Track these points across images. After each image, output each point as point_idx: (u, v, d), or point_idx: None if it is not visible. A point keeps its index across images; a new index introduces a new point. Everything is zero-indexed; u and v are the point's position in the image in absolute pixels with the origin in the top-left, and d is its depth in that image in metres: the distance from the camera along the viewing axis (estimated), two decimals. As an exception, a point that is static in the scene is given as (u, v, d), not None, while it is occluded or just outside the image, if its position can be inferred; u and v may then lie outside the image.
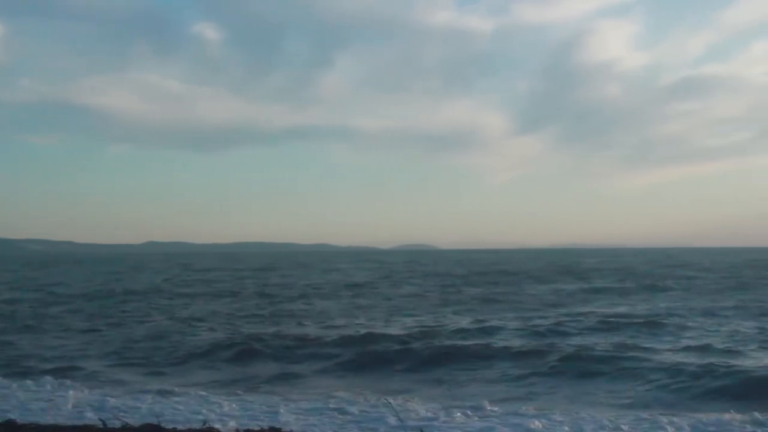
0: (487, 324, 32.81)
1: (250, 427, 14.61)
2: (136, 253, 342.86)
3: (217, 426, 14.65)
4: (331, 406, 17.39)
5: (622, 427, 15.01)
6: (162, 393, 19.19)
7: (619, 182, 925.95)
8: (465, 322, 34.24)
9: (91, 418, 15.78)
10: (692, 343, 26.49)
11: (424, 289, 59.77)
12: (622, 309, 40.13)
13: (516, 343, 27.15)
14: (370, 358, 24.27)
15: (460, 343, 27.05)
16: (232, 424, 15.28)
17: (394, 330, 31.18)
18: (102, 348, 27.67)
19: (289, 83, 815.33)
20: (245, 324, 34.65)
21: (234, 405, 17.57)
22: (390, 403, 16.28)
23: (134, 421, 15.10)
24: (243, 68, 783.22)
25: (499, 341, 27.59)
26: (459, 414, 16.41)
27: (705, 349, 24.81)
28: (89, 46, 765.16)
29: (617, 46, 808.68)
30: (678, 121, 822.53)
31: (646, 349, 24.94)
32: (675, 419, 15.58)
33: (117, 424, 14.54)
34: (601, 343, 26.45)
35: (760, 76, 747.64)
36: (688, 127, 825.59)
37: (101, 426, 14.38)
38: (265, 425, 14.82)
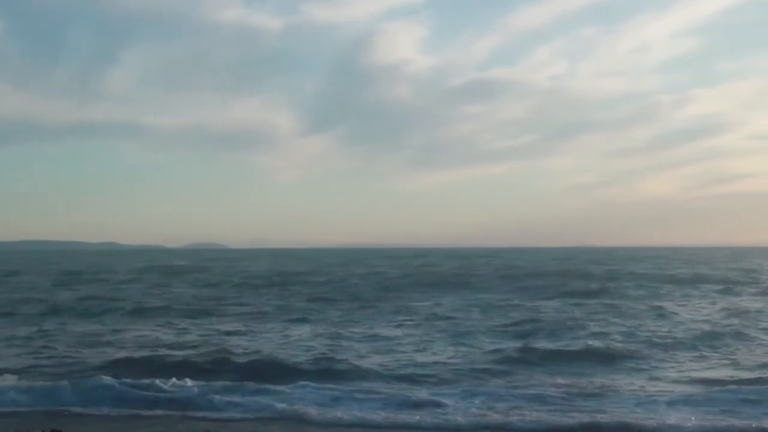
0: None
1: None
2: None
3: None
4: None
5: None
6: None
7: (410, 183, 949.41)
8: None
9: None
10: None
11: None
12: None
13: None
14: None
15: None
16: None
17: None
18: None
19: (74, 78, 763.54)
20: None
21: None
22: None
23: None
24: (24, 61, 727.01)
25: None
26: None
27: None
28: None
29: (406, 47, 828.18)
30: (466, 123, 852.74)
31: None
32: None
33: None
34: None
35: (544, 80, 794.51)
36: (476, 129, 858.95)
37: None
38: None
